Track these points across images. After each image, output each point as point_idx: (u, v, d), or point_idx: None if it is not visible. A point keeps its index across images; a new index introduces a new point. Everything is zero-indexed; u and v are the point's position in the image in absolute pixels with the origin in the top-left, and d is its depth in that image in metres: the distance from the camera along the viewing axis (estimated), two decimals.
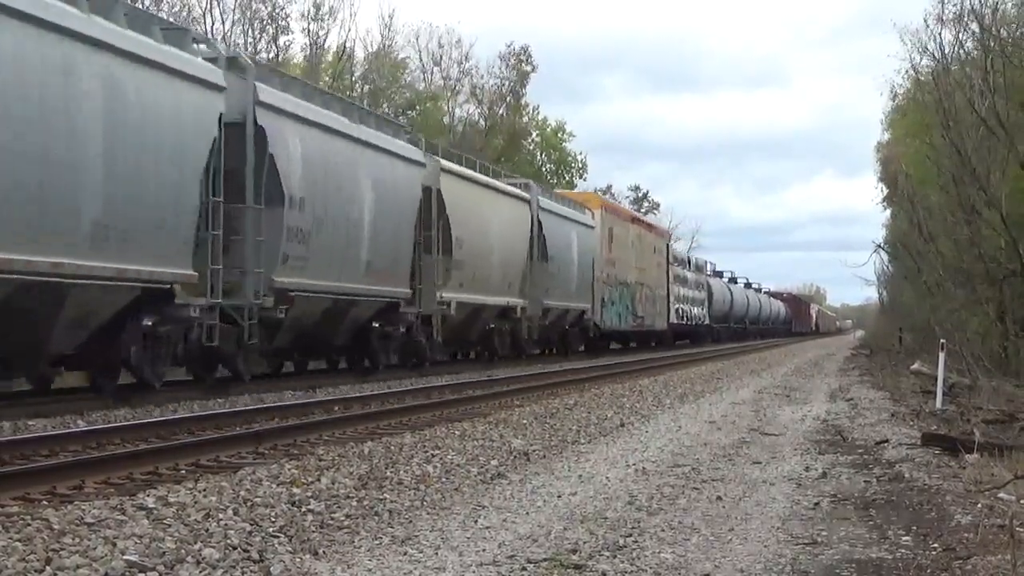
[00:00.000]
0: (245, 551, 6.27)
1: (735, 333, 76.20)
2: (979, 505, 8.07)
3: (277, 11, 47.26)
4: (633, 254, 46.76)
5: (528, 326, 32.67)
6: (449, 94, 60.30)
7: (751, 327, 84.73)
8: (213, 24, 44.64)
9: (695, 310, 61.05)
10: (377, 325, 22.81)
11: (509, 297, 30.99)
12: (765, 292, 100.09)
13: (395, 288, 23.09)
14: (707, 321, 64.98)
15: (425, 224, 24.97)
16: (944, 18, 27.10)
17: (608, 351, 44.39)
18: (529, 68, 62.39)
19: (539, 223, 33.85)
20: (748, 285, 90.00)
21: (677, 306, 55.87)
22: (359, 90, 52.28)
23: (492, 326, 30.06)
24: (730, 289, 76.57)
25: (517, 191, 32.89)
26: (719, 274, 76.84)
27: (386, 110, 50.58)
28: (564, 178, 69.47)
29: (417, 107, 57.20)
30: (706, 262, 70.54)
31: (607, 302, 41.81)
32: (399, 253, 23.35)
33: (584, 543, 6.77)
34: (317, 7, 49.44)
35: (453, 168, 27.50)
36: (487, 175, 31.06)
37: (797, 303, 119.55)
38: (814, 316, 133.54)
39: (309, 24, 49.71)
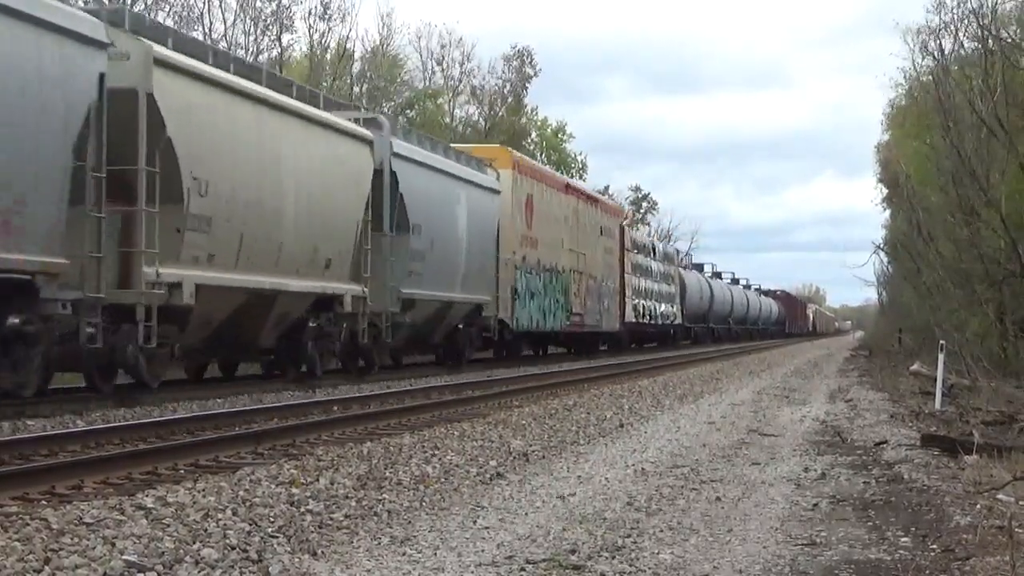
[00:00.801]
0: (244, 551, 6.27)
1: (717, 335, 68.45)
2: (978, 506, 8.08)
3: (282, 10, 47.23)
4: (567, 232, 36.73)
5: (372, 325, 22.62)
6: (451, 95, 60.36)
7: (737, 327, 76.66)
8: (212, 23, 44.62)
9: (663, 307, 52.29)
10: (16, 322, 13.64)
11: (327, 281, 20.62)
12: (756, 290, 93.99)
13: (26, 256, 13.42)
14: (679, 320, 56.35)
15: (121, 154, 15.03)
16: (942, 24, 27.22)
17: (526, 359, 34.99)
18: (532, 72, 62.52)
19: (393, 176, 23.37)
20: (736, 281, 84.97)
21: (636, 301, 46.81)
22: (358, 89, 52.27)
23: (313, 324, 20.57)
24: (710, 284, 67.86)
25: (343, 123, 21.70)
26: (699, 267, 71.03)
27: (386, 110, 50.58)
28: None
29: (416, 106, 57.25)
30: (677, 251, 63.21)
31: (522, 294, 31.62)
32: (32, 197, 13.55)
33: (583, 544, 6.77)
34: (325, 6, 49.35)
35: (187, 64, 16.52)
36: (288, 94, 19.81)
37: (792, 302, 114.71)
38: (811, 316, 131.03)
39: (312, 23, 49.70)
